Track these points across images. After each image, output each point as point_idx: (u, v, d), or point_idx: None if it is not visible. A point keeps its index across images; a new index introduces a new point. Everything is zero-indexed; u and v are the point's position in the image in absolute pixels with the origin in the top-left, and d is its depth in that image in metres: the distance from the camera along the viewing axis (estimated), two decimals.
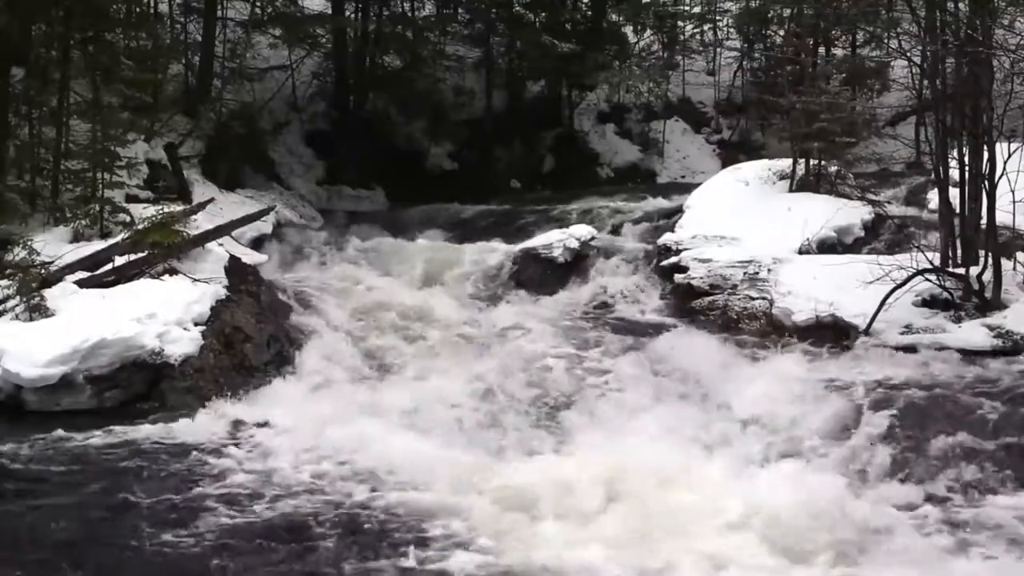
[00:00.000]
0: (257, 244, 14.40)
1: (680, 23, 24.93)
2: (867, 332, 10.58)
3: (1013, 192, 10.67)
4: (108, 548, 6.37)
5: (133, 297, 10.18)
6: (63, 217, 12.06)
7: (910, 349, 10.20)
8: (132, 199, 13.28)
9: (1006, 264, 10.91)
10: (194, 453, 8.00)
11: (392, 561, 6.29)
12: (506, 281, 13.40)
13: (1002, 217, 10.92)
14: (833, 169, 14.61)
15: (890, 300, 10.63)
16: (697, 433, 8.42)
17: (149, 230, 10.95)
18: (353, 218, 18.19)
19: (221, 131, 17.37)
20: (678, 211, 14.90)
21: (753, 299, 11.70)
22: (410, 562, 6.28)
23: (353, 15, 21.45)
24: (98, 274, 10.77)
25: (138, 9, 18.37)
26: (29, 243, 10.70)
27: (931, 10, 12.03)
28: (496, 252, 14.01)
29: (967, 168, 11.18)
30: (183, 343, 9.72)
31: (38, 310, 9.82)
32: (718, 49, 25.03)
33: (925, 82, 13.79)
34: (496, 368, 10.10)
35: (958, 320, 10.56)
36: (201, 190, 15.32)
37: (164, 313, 9.87)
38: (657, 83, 22.87)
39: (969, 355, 9.88)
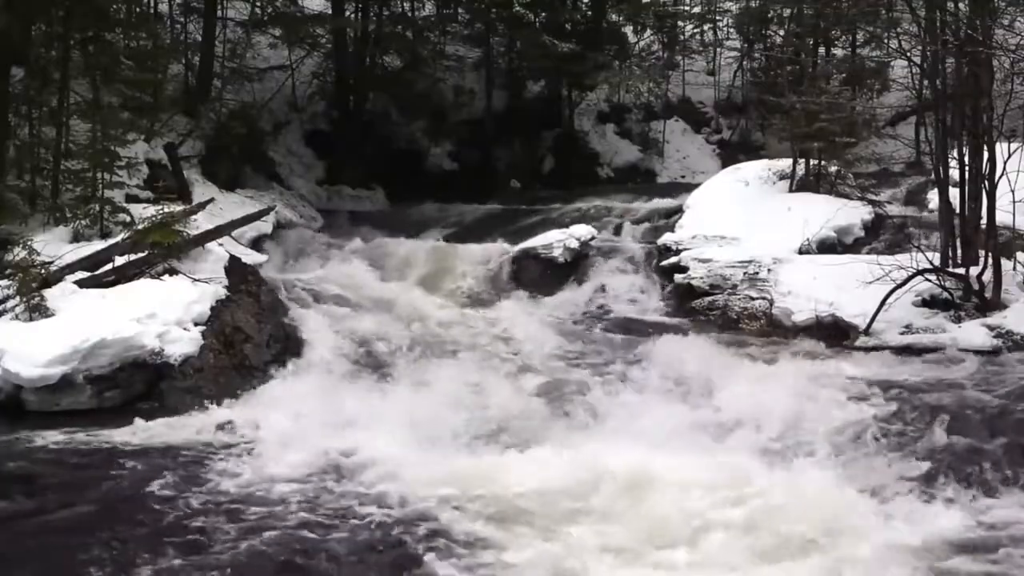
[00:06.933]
0: (257, 244, 14.38)
1: (680, 23, 24.95)
2: (867, 332, 10.60)
3: (1013, 192, 10.70)
4: (105, 549, 6.35)
5: (133, 297, 10.18)
6: (63, 217, 12.04)
7: (910, 349, 10.23)
8: (132, 199, 13.26)
9: (1006, 264, 10.93)
10: (193, 455, 7.98)
11: (383, 569, 6.26)
12: (506, 281, 13.40)
13: (1002, 217, 10.95)
14: (833, 169, 14.62)
15: (890, 300, 10.64)
16: (696, 433, 8.40)
17: (149, 230, 10.94)
18: (353, 218, 18.19)
19: (221, 131, 17.35)
20: (678, 211, 14.93)
21: (753, 299, 11.71)
22: (404, 570, 6.25)
23: (353, 15, 21.42)
24: (98, 274, 10.77)
25: (138, 9, 18.38)
26: (29, 243, 10.68)
27: (931, 10, 12.03)
28: (496, 252, 14.00)
29: (967, 168, 11.19)
30: (183, 343, 9.73)
31: (38, 310, 9.82)
32: (718, 49, 25.05)
33: (925, 82, 13.78)
34: (496, 369, 10.11)
35: (958, 320, 10.58)
36: (201, 190, 15.31)
37: (164, 313, 9.88)
38: (657, 83, 22.89)
39: (969, 355, 9.90)
